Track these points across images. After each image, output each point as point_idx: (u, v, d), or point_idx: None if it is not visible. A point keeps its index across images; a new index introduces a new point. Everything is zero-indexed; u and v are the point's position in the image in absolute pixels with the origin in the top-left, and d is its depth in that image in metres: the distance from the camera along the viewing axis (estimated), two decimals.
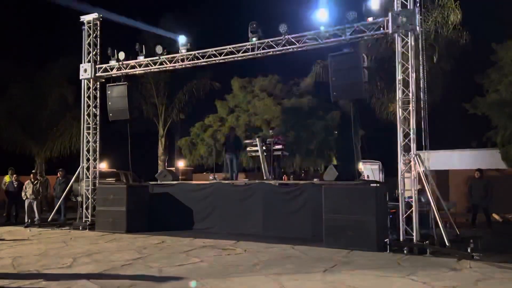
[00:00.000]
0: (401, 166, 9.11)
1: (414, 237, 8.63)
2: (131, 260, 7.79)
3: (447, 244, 8.33)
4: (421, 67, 9.54)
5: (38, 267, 7.21)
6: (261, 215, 11.07)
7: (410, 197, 9.01)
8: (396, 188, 9.43)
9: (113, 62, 12.70)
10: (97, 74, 12.96)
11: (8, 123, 21.72)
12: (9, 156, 22.17)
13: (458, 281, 6.27)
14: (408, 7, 9.06)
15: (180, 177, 17.60)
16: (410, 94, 9.04)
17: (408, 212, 8.81)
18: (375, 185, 9.69)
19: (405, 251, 8.39)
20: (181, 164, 26.76)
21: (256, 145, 12.96)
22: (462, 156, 18.03)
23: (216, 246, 9.34)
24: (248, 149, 13.46)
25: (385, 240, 8.58)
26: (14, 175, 14.36)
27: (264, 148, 12.74)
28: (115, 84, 12.68)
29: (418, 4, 9.15)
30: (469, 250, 7.44)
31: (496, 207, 13.43)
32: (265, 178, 12.46)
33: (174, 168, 24.84)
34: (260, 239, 10.00)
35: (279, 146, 12.81)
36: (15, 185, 14.07)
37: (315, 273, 6.76)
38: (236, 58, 11.31)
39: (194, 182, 14.18)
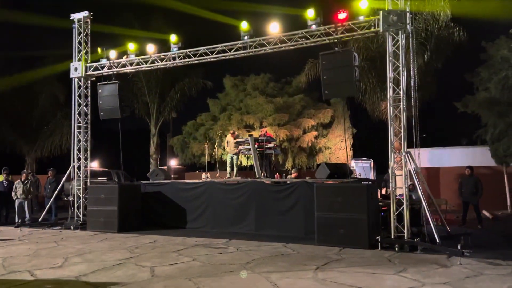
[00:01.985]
0: (392, 164, 9.17)
1: (405, 235, 8.70)
2: (123, 260, 7.76)
3: (437, 241, 8.41)
4: (412, 66, 9.60)
5: (29, 267, 7.16)
6: (253, 214, 11.09)
7: (402, 194, 9.08)
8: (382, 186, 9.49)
9: (104, 61, 12.64)
10: (87, 73, 12.88)
11: None
12: None
13: (449, 277, 6.33)
14: (399, 6, 9.11)
15: (172, 176, 17.58)
16: (401, 93, 9.10)
17: (399, 209, 8.87)
18: (366, 183, 9.74)
19: (396, 249, 8.46)
20: (173, 162, 26.69)
21: (248, 144, 12.98)
22: (453, 153, 18.22)
23: (208, 245, 9.34)
24: (240, 147, 13.48)
25: (377, 238, 8.63)
26: (5, 175, 14.20)
27: (256, 146, 12.76)
28: (106, 82, 12.60)
29: (408, 3, 9.20)
30: (459, 247, 7.52)
31: (486, 204, 13.59)
32: (257, 176, 12.47)
33: (166, 167, 24.78)
34: (253, 238, 10.02)
35: (271, 145, 12.85)
36: (5, 185, 13.91)
37: (307, 271, 6.79)
38: (227, 57, 11.31)
39: (186, 181, 14.16)
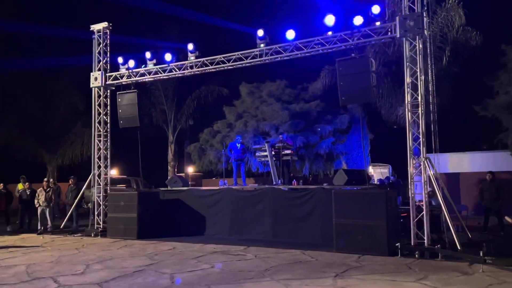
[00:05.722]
0: (411, 170, 9.08)
1: (425, 241, 8.60)
2: (143, 267, 7.86)
3: (458, 248, 8.29)
4: (429, 70, 9.52)
5: (52, 274, 7.31)
6: (270, 220, 11.09)
7: (421, 200, 8.98)
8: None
9: (123, 70, 12.87)
10: (107, 82, 13.13)
11: (20, 132, 22.06)
12: (21, 164, 22.50)
13: (470, 285, 6.24)
14: (416, 11, 9.07)
15: (190, 183, 17.70)
16: (419, 98, 9.04)
17: (419, 216, 8.77)
18: (385, 189, 9.66)
19: (416, 255, 8.36)
20: (190, 169, 26.87)
21: (265, 150, 13.02)
22: (473, 158, 17.88)
23: (226, 251, 9.39)
24: (257, 154, 13.51)
25: (396, 245, 8.54)
26: (27, 183, 14.56)
27: (273, 153, 12.79)
28: (125, 92, 12.82)
29: (425, 8, 9.16)
30: (481, 254, 7.38)
31: (508, 210, 13.29)
32: (274, 183, 12.48)
33: (183, 174, 24.97)
34: (270, 245, 10.03)
35: (288, 151, 12.86)
36: (28, 193, 14.25)
37: (326, 278, 6.76)
38: (244, 65, 11.39)
39: (204, 188, 14.25)
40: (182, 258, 8.67)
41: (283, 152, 12.70)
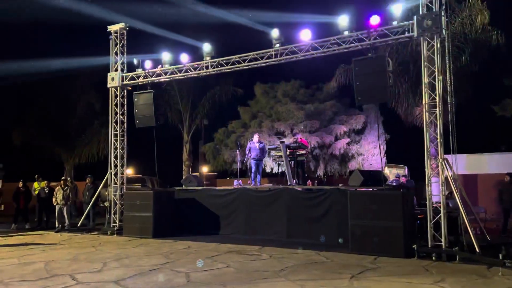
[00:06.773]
0: (428, 171, 8.97)
1: (443, 243, 8.48)
2: (159, 265, 7.92)
3: (477, 250, 8.15)
4: (447, 70, 9.38)
5: (70, 272, 7.42)
6: (285, 221, 11.08)
7: (438, 202, 8.86)
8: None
9: (139, 70, 12.99)
10: (124, 82, 13.27)
11: (38, 131, 22.46)
12: (39, 162, 22.89)
13: None
14: (434, 10, 8.95)
15: (204, 183, 17.80)
16: (437, 98, 8.92)
17: (436, 217, 8.66)
18: (402, 190, 9.56)
19: (433, 258, 8.25)
20: (205, 169, 27.01)
21: (280, 150, 13.00)
22: (491, 159, 17.58)
23: (241, 251, 9.40)
24: (272, 154, 13.48)
25: (413, 246, 8.44)
26: (45, 181, 14.82)
27: (288, 153, 12.76)
28: (141, 92, 12.95)
29: (444, 7, 9.03)
30: (500, 257, 7.26)
31: None
32: (289, 183, 12.45)
33: (198, 174, 25.11)
34: (285, 245, 10.01)
35: (303, 151, 12.81)
36: (46, 191, 14.50)
37: (342, 280, 6.72)
38: (259, 65, 11.38)
39: (219, 187, 14.30)
40: (197, 257, 8.70)
41: (297, 153, 12.67)
